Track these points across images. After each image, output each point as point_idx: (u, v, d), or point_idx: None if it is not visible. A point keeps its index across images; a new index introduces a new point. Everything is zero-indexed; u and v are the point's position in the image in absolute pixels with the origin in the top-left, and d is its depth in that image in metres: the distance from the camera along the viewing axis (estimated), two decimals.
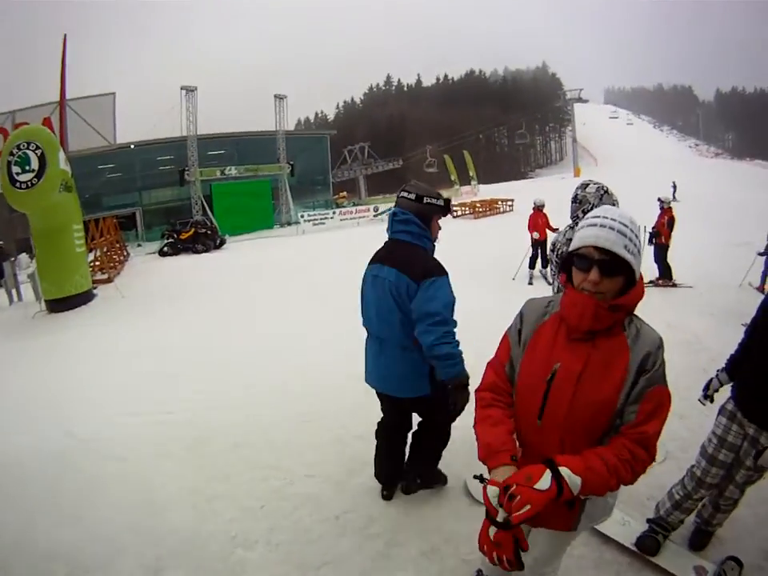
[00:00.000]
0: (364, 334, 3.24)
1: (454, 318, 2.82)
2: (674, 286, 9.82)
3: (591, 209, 2.95)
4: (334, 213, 30.63)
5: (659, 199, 10.44)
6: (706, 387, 2.94)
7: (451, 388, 2.80)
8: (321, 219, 29.16)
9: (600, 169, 63.08)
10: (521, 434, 1.69)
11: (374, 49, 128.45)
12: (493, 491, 1.46)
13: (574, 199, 3.20)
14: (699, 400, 2.98)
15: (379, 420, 3.45)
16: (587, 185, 3.18)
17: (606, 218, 1.54)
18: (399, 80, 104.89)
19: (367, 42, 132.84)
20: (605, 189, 3.09)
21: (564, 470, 1.44)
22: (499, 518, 1.43)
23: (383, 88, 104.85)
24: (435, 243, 3.05)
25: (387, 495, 3.41)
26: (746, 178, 40.06)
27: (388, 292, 2.86)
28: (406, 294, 2.79)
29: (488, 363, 1.86)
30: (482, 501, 1.48)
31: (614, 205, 2.96)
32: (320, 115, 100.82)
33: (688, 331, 5.74)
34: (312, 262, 15.44)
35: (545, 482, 1.42)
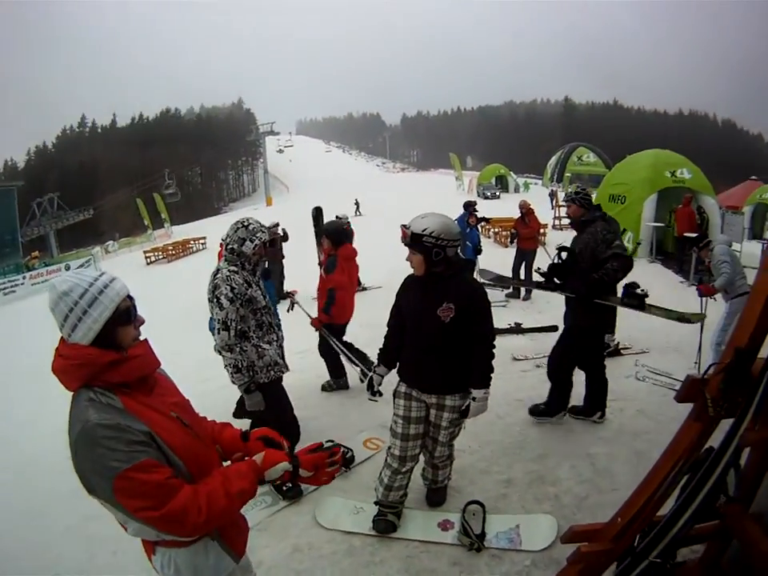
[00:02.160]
0: None
1: None
2: (364, 289, 10.79)
3: (229, 240, 3.29)
4: (23, 278, 25.70)
5: (337, 216, 11.30)
6: (370, 386, 3.15)
7: None
8: (11, 287, 24.31)
9: (291, 195, 67.37)
10: (201, 474, 1.62)
11: (68, 89, 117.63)
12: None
13: None
14: (369, 399, 3.20)
15: None
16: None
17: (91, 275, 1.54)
18: (94, 121, 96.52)
19: (62, 81, 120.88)
20: (243, 223, 3.32)
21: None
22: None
23: (77, 130, 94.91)
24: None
25: None
26: (430, 185, 46.48)
27: None
28: None
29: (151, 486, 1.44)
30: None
31: (251, 239, 3.28)
32: (9, 164, 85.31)
33: (378, 328, 6.05)
34: None
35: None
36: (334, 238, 5.17)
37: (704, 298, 5.11)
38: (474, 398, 2.81)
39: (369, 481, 3.44)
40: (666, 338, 6.69)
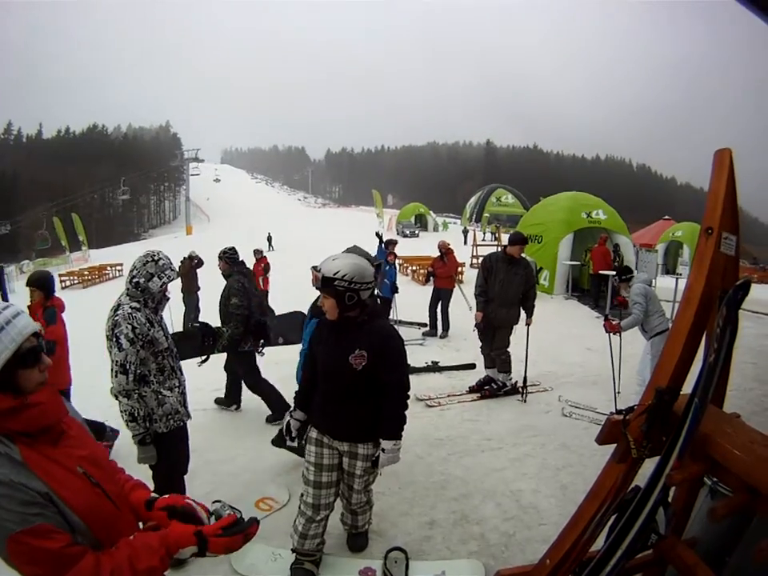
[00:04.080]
0: None
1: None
2: None
3: (135, 273, 3.04)
4: None
5: (255, 250, 12.21)
6: (288, 430, 3.01)
7: None
8: None
9: (212, 225, 65.92)
10: (107, 535, 1.45)
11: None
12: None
13: None
14: (288, 445, 3.19)
15: None
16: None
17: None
18: (20, 129, 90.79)
19: None
20: (153, 257, 3.08)
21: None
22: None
23: (2, 137, 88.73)
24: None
25: None
26: (350, 222, 46.90)
27: None
28: None
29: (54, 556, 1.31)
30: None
31: (159, 275, 3.04)
32: None
33: (293, 364, 6.08)
34: None
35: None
36: (46, 288, 4.54)
37: (611, 334, 5.22)
38: (383, 449, 2.72)
39: (286, 525, 3.23)
40: (583, 370, 6.94)
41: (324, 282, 2.55)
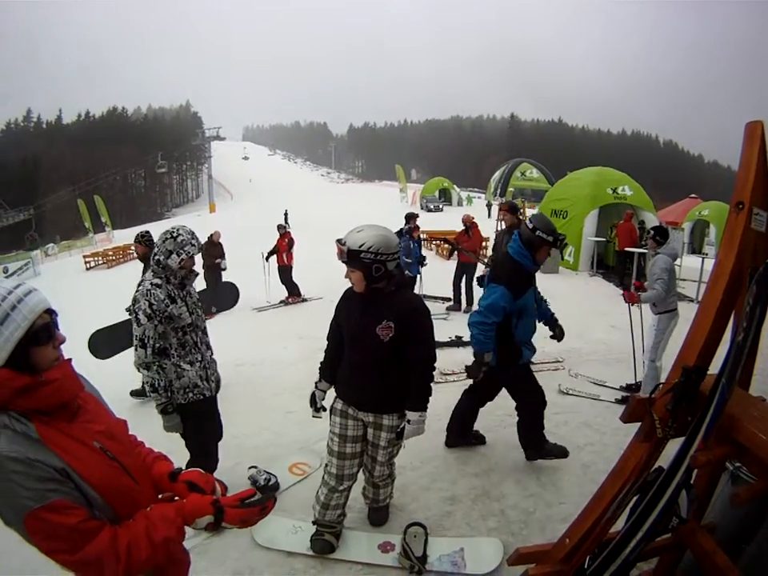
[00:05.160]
0: None
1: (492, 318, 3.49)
2: (304, 300, 10.95)
3: (156, 250, 3.07)
4: None
5: (279, 225, 11.88)
6: (313, 401, 3.04)
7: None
8: None
9: (235, 203, 66.13)
10: (126, 509, 1.47)
11: (15, 81, 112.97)
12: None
13: None
14: (313, 416, 3.07)
15: None
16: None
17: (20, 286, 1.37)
18: (39, 116, 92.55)
19: (7, 74, 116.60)
20: (172, 234, 3.07)
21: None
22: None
23: (22, 124, 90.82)
24: (540, 265, 3.70)
25: None
26: (373, 197, 46.62)
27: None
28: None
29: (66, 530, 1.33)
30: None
31: (178, 252, 3.04)
32: None
33: (319, 340, 6.04)
34: None
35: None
36: None
37: (633, 306, 5.15)
38: (409, 421, 2.72)
39: (308, 499, 3.27)
40: (606, 348, 6.90)
41: (350, 255, 2.52)
